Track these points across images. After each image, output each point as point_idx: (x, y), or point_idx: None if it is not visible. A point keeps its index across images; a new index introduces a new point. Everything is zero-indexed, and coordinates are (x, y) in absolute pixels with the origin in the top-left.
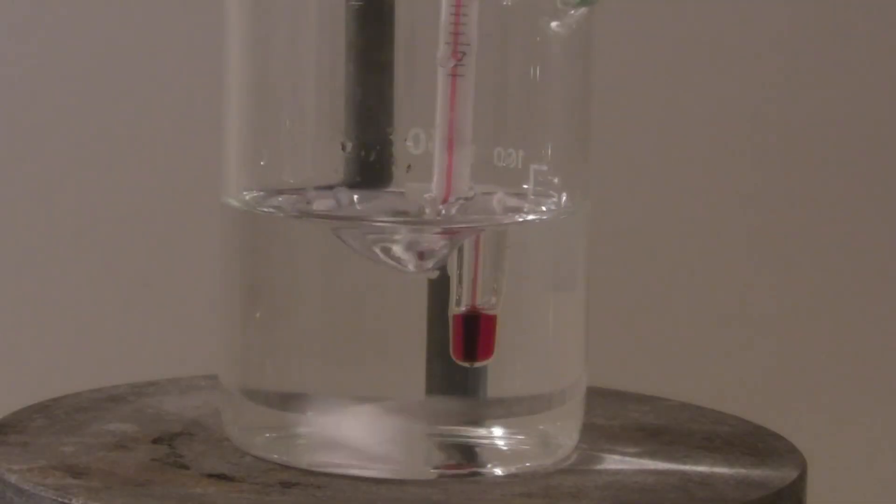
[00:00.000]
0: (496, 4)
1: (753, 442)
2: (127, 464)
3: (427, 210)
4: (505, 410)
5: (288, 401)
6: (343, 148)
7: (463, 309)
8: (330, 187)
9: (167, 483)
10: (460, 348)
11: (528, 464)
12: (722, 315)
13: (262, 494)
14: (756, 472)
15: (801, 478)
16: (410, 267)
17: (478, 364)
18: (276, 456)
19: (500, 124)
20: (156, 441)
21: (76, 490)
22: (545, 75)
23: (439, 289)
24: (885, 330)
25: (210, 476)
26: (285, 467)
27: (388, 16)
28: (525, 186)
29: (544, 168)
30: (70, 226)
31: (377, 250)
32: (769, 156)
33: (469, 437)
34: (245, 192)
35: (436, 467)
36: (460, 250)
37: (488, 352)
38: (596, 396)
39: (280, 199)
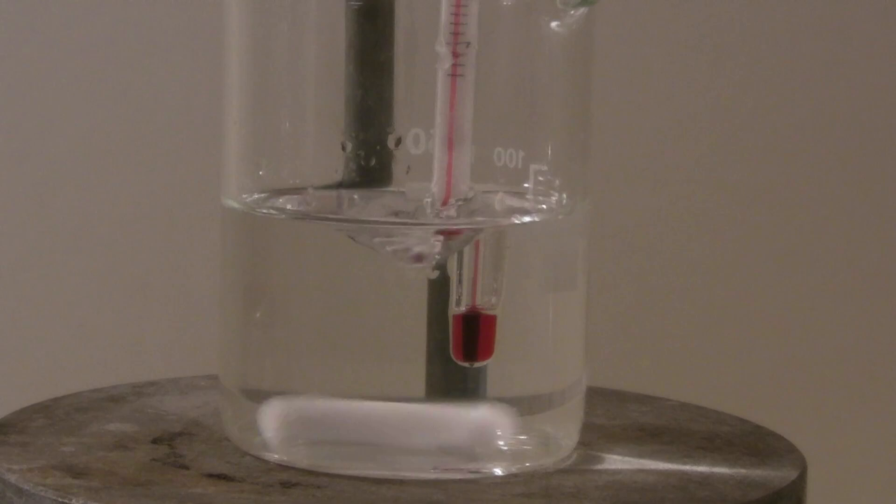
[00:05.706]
0: (496, 4)
1: (753, 442)
2: (127, 464)
3: (427, 210)
4: (505, 410)
5: (287, 401)
6: (343, 148)
7: (463, 309)
8: (330, 187)
9: (167, 483)
10: (460, 348)
11: (528, 464)
12: (722, 315)
13: (262, 494)
14: (756, 472)
15: (801, 478)
16: (410, 267)
17: (478, 364)
18: (276, 456)
19: (500, 124)
20: (156, 441)
21: (76, 490)
22: (545, 75)
23: (439, 289)
24: (885, 330)
25: (210, 476)
26: (285, 467)
27: (388, 16)
28: (525, 186)
29: (544, 168)
30: (70, 226)
31: (377, 250)
32: (769, 156)
33: (469, 436)
34: (245, 194)
35: (436, 467)
36: (460, 250)
37: (488, 352)
38: (596, 396)
39: (280, 199)
